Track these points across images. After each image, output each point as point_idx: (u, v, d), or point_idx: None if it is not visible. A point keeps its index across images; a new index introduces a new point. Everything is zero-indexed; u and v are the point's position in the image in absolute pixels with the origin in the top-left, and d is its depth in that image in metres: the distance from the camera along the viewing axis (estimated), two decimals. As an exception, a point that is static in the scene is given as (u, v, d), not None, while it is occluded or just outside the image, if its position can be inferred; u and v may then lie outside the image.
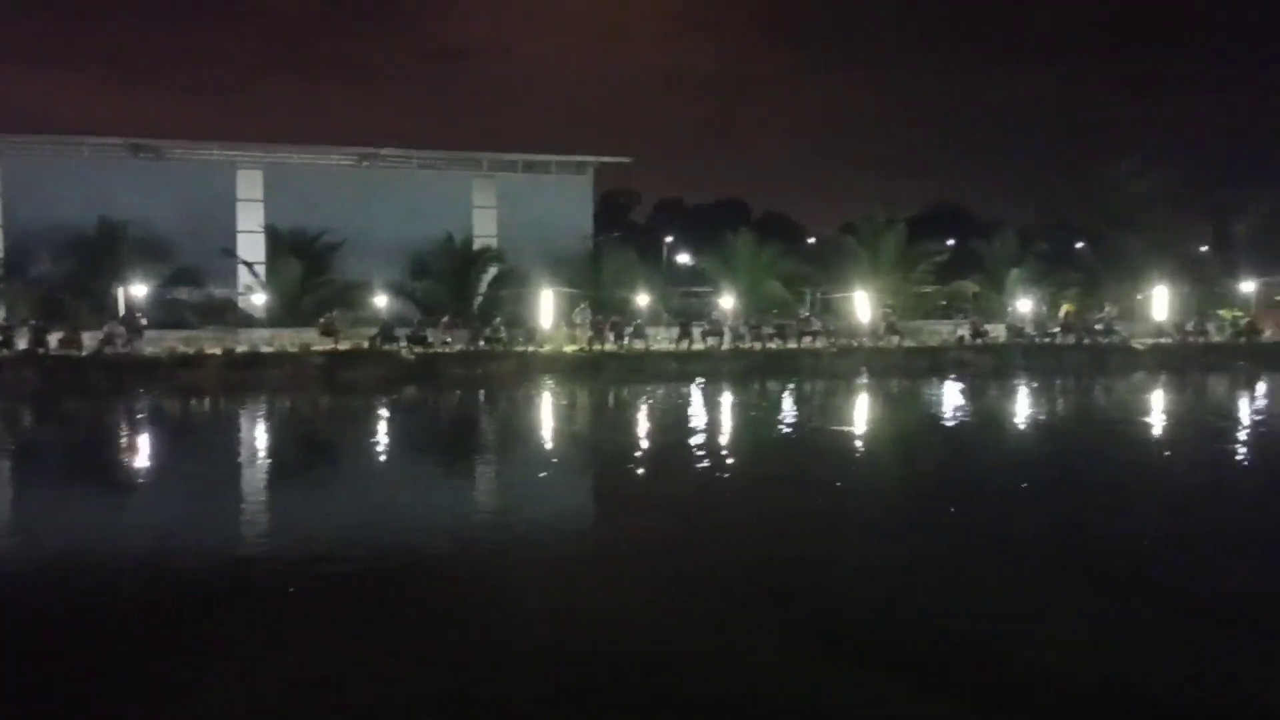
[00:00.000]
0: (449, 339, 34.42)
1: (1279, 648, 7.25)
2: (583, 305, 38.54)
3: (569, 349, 35.07)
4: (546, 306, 38.97)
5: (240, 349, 32.35)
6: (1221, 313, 44.36)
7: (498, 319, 36.58)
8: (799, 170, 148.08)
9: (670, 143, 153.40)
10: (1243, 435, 19.62)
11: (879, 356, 35.65)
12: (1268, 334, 41.71)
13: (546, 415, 25.01)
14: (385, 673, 6.71)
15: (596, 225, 50.77)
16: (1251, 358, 36.68)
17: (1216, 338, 40.71)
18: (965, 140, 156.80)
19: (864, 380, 31.55)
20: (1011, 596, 8.40)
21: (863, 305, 40.62)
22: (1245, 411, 24.52)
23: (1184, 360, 36.03)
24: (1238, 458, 16.74)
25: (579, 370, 32.42)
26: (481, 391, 29.20)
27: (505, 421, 24.16)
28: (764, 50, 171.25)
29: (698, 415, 23.55)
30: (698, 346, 35.56)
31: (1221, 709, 6.17)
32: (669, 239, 58.73)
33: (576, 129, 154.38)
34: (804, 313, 41.80)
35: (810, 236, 65.26)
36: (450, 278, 41.65)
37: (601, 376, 31.62)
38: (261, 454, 18.54)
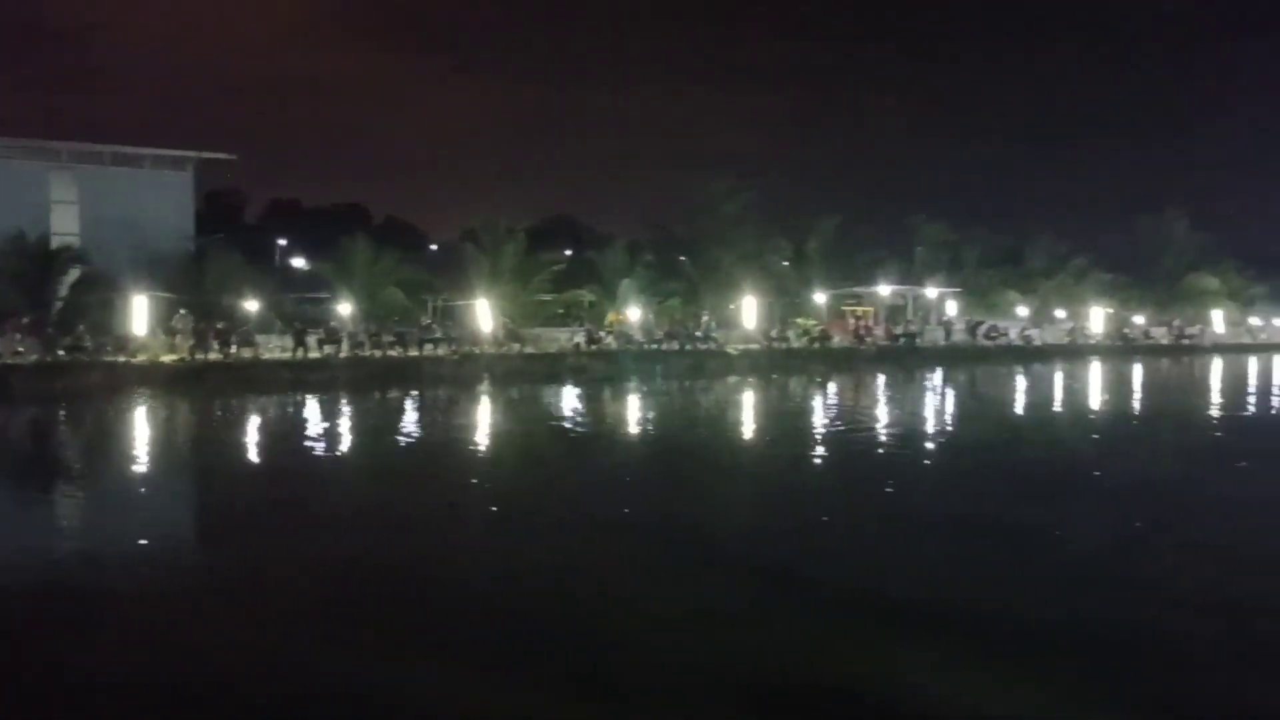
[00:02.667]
0: (21, 349, 30.43)
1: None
2: (183, 311, 35.62)
3: (168, 358, 32.27)
4: (140, 312, 35.54)
5: None
6: (799, 321, 49.78)
7: (80, 326, 32.85)
8: (422, 177, 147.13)
9: (286, 144, 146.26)
10: (819, 432, 22.16)
11: (500, 363, 36.26)
12: (837, 340, 47.42)
13: (130, 432, 22.80)
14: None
15: (200, 225, 47.14)
16: (824, 362, 41.53)
17: (796, 344, 45.58)
18: (582, 155, 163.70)
19: (485, 387, 31.94)
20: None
21: (484, 312, 41.07)
22: (819, 408, 27.68)
23: (770, 364, 40.03)
24: (814, 453, 18.88)
25: (179, 382, 29.94)
26: (62, 408, 26.11)
27: (79, 440, 21.77)
28: (387, 55, 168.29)
29: (305, 428, 22.63)
30: (314, 355, 34.16)
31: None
32: (283, 242, 55.87)
33: (179, 123, 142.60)
34: (425, 320, 41.58)
35: (432, 243, 64.98)
36: (22, 280, 36.78)
37: (203, 388, 29.42)
38: None
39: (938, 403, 29.65)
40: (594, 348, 39.74)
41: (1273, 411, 27.27)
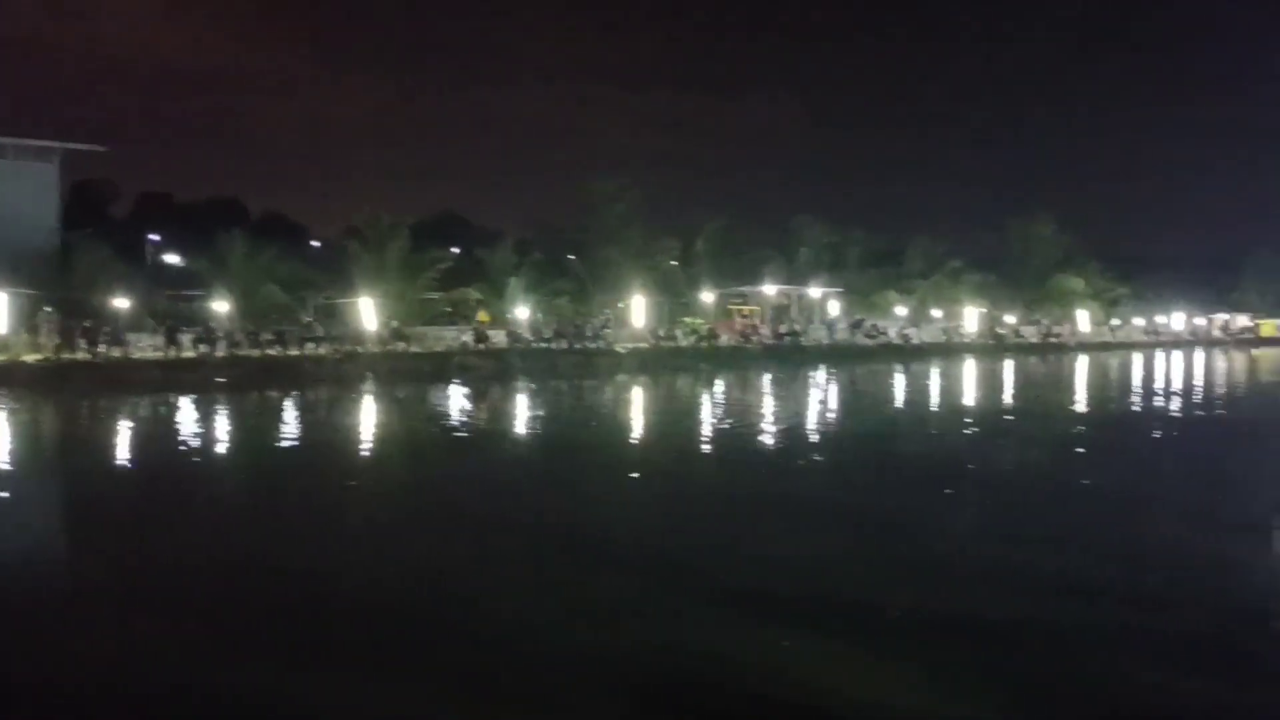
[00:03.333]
0: None
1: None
2: (47, 308, 34.00)
3: (31, 358, 30.77)
4: (1, 310, 33.79)
5: None
6: (687, 320, 50.36)
7: (-69, 324, 31.10)
8: (303, 173, 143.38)
9: (158, 137, 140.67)
10: (705, 428, 22.46)
11: (384, 362, 35.67)
12: (724, 339, 48.12)
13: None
14: None
15: (67, 219, 45.07)
16: (712, 360, 42.10)
17: (684, 343, 46.09)
18: (472, 151, 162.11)
19: (369, 387, 31.38)
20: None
21: (368, 311, 40.33)
22: (706, 406, 28.03)
23: (658, 363, 40.37)
24: (704, 449, 19.12)
25: (42, 382, 28.59)
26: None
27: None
28: (267, 47, 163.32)
29: (174, 430, 21.88)
30: (188, 354, 33.02)
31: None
32: (155, 237, 53.79)
33: (42, 112, 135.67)
34: (306, 318, 40.61)
35: (314, 240, 63.41)
36: None
37: (69, 388, 28.15)
38: None
39: (821, 399, 30.35)
40: (482, 346, 39.45)
41: (1133, 408, 28.72)
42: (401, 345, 37.85)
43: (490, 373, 35.65)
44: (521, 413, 26.37)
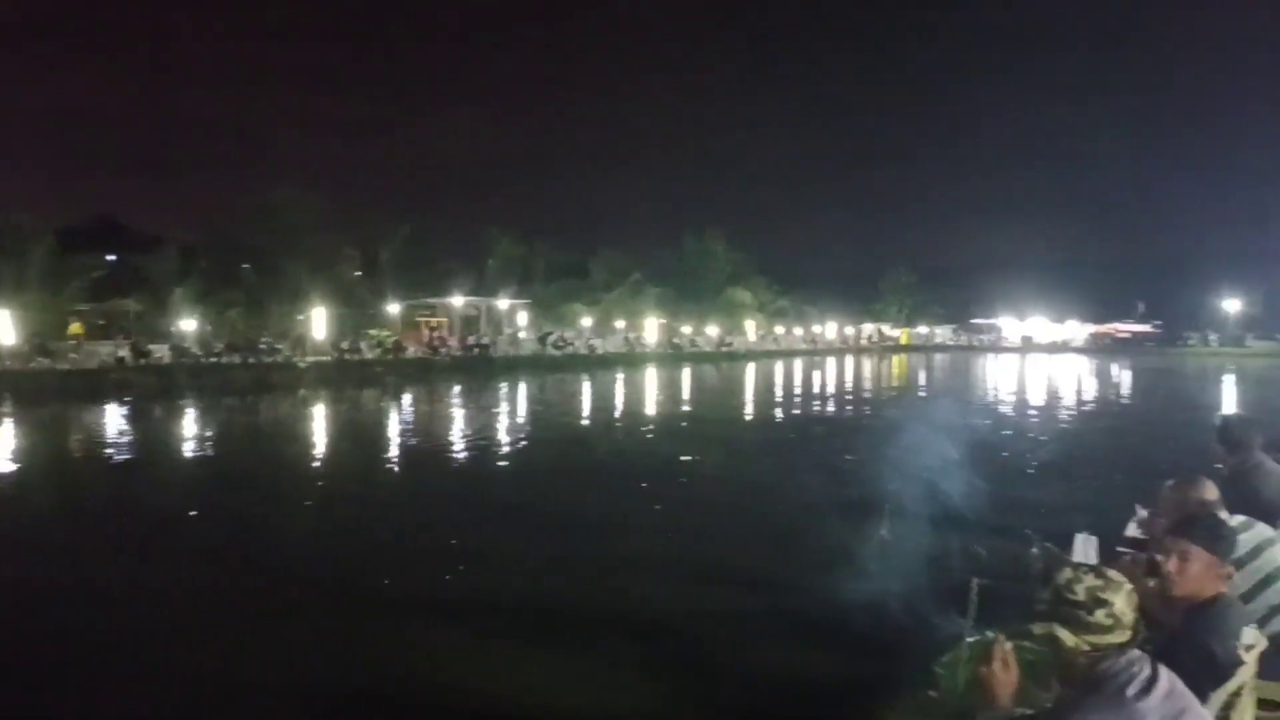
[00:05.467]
0: None
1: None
2: None
3: None
4: None
5: None
6: (372, 332, 49.04)
7: None
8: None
9: None
10: (390, 443, 21.94)
11: (26, 380, 31.93)
12: (411, 351, 47.30)
13: None
14: None
15: None
16: (399, 373, 41.23)
17: (369, 355, 44.83)
18: (130, 153, 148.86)
19: (5, 409, 27.93)
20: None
21: (4, 324, 35.96)
22: (393, 420, 27.39)
23: (342, 376, 38.98)
24: (389, 465, 18.67)
25: None
26: None
27: None
28: None
29: None
30: None
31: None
32: None
33: None
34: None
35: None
36: None
37: None
38: None
39: (510, 409, 30.58)
40: (143, 361, 36.31)
41: (795, 411, 31.26)
42: (46, 361, 34.07)
43: (153, 391, 32.84)
44: (184, 434, 24.48)
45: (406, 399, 33.43)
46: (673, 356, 62.27)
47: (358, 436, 23.43)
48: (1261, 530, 4.19)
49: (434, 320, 57.99)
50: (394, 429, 24.93)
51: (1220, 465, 5.48)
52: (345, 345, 44.61)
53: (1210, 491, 4.26)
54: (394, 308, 53.14)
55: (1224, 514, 4.01)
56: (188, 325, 42.39)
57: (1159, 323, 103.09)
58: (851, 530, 9.02)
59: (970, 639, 4.54)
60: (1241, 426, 5.46)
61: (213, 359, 38.80)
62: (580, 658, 7.14)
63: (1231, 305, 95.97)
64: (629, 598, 8.68)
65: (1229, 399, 37.12)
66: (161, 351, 38.31)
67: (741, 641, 7.54)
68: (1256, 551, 4.08)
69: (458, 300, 57.60)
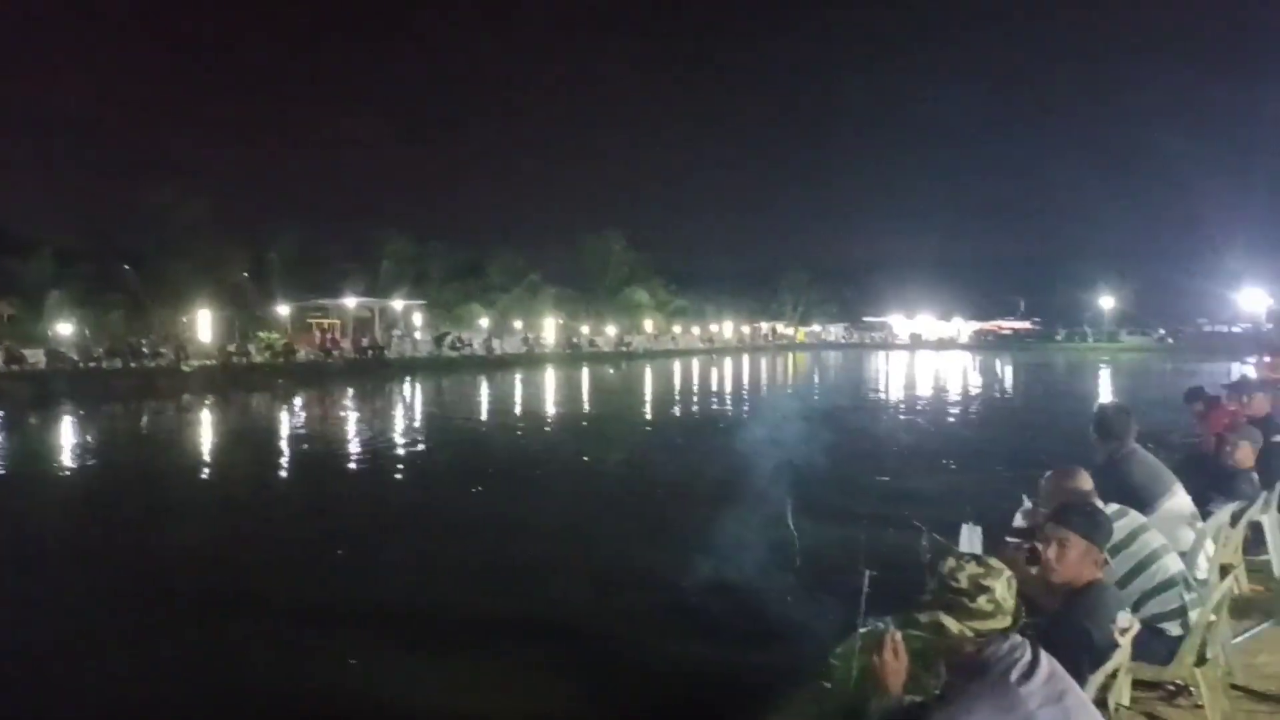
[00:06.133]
0: None
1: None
2: None
3: None
4: None
5: None
6: (262, 335, 47.69)
7: None
8: None
9: None
10: (278, 449, 21.36)
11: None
12: (302, 354, 46.15)
13: None
14: None
15: None
16: (290, 376, 40.17)
17: (258, 358, 43.57)
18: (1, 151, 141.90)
19: None
20: None
21: None
22: (284, 425, 26.69)
23: (230, 381, 37.78)
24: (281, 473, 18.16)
25: None
26: None
27: None
28: None
29: None
30: None
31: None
32: None
33: None
34: None
35: None
36: None
37: None
38: None
39: (406, 412, 30.09)
40: (16, 368, 34.62)
41: (693, 410, 31.56)
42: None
43: (27, 399, 31.30)
44: (54, 445, 23.39)
45: (298, 403, 32.60)
46: (571, 357, 62.14)
47: (244, 443, 22.73)
48: (1135, 518, 4.38)
49: (326, 322, 56.67)
50: (284, 434, 24.29)
51: (1097, 454, 5.69)
52: (233, 348, 43.26)
53: (1085, 481, 4.43)
54: (284, 309, 51.79)
55: (1099, 502, 4.18)
56: (65, 329, 40.52)
57: (1038, 319, 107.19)
58: (747, 526, 9.14)
59: (863, 629, 4.65)
60: (1115, 417, 5.66)
61: (92, 364, 37.20)
62: (480, 661, 7.07)
63: (1106, 302, 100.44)
64: (529, 599, 8.62)
65: (1104, 391, 38.84)
66: (37, 357, 36.56)
67: (643, 639, 7.55)
68: (1131, 538, 4.26)
69: (351, 301, 56.39)
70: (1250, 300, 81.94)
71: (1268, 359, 17.17)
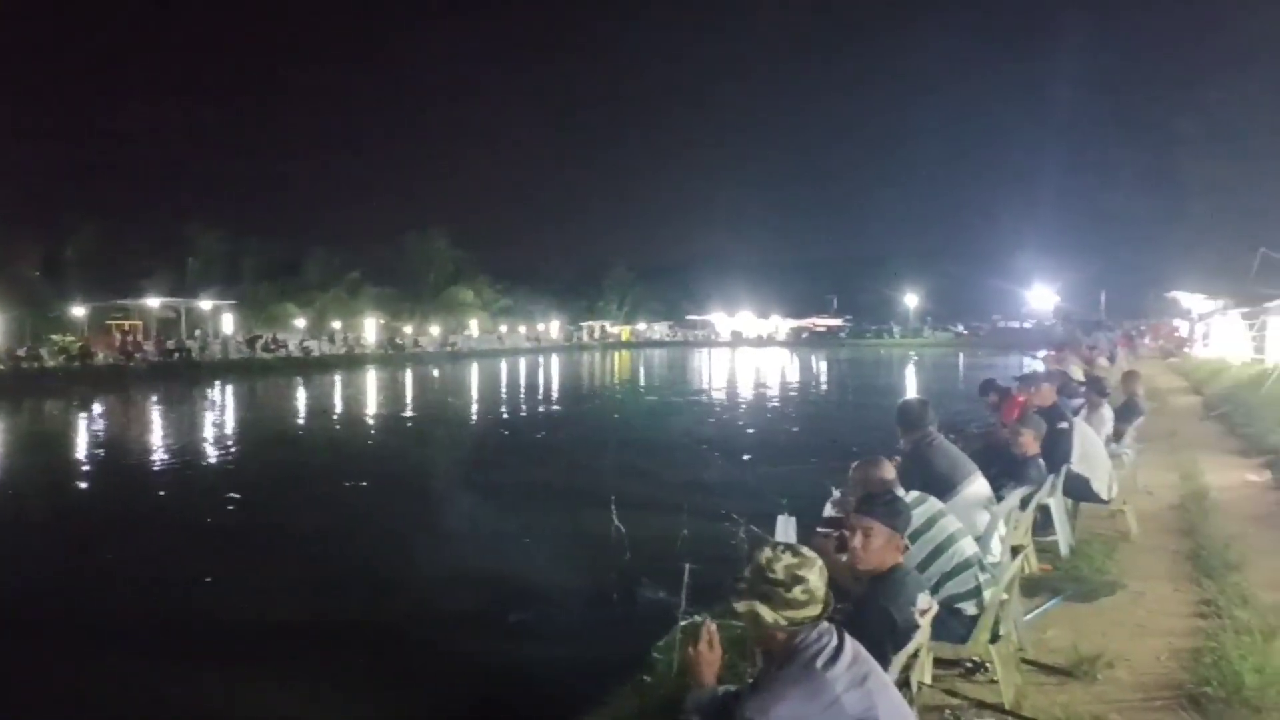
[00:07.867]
0: None
1: None
2: None
3: None
4: None
5: None
6: (55, 337, 44.48)
7: None
8: None
9: None
10: (74, 463, 19.98)
11: None
12: (101, 357, 43.27)
13: None
14: None
15: None
16: (88, 382, 37.57)
17: (51, 362, 40.61)
18: None
19: None
20: None
21: None
22: (80, 435, 24.93)
23: (20, 387, 35.05)
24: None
25: None
26: None
27: None
28: None
29: None
30: None
31: None
32: None
33: None
34: None
35: None
36: None
37: None
38: None
39: (216, 419, 28.66)
40: None
41: (520, 410, 31.38)
42: None
43: None
44: None
45: (96, 409, 30.52)
46: (394, 357, 60.68)
47: (33, 454, 21.11)
48: (933, 504, 4.63)
49: (127, 324, 53.30)
50: (79, 444, 22.70)
51: (901, 444, 5.98)
52: (22, 352, 40.12)
53: (889, 470, 4.65)
54: (81, 310, 48.41)
55: (900, 490, 4.39)
56: None
57: (849, 317, 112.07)
58: (572, 523, 9.17)
59: (683, 622, 4.73)
60: (917, 408, 5.95)
61: None
62: (297, 675, 6.83)
63: (911, 300, 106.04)
64: (346, 609, 8.39)
65: (908, 384, 40.99)
66: None
67: (466, 642, 7.47)
68: (929, 523, 4.50)
69: (154, 301, 53.19)
70: (1039, 298, 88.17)
71: (1053, 353, 18.55)
